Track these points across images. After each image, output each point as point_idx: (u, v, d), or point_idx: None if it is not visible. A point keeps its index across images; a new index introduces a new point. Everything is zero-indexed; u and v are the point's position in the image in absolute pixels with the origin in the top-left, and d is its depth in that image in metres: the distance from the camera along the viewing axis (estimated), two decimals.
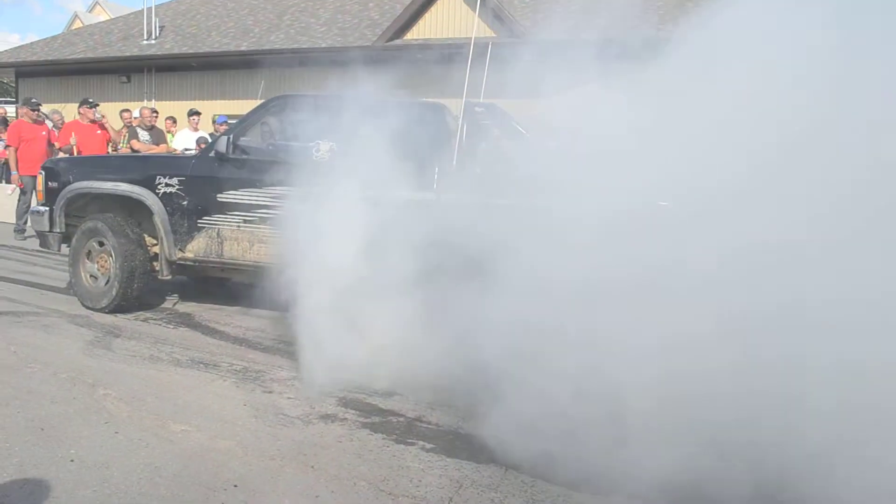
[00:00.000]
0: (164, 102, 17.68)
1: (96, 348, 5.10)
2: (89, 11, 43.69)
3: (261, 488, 3.13)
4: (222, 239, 5.91)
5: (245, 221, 5.82)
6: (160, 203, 6.00)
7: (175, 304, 6.71)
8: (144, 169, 6.19)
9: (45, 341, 5.22)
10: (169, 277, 6.21)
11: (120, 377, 4.49)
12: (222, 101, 17.15)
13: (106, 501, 2.96)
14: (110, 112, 12.30)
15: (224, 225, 5.88)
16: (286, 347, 5.39)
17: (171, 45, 18.41)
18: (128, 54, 18.51)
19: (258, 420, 3.92)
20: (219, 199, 5.86)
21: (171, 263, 6.12)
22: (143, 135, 10.81)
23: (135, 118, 11.17)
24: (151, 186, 6.02)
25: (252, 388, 4.42)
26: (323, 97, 6.31)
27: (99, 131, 10.25)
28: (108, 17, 30.36)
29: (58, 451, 3.39)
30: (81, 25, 29.75)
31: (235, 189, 5.82)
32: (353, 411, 4.11)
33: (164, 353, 5.08)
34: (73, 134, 10.45)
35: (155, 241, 6.20)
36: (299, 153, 6.23)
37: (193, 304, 6.66)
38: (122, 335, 5.47)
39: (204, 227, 5.94)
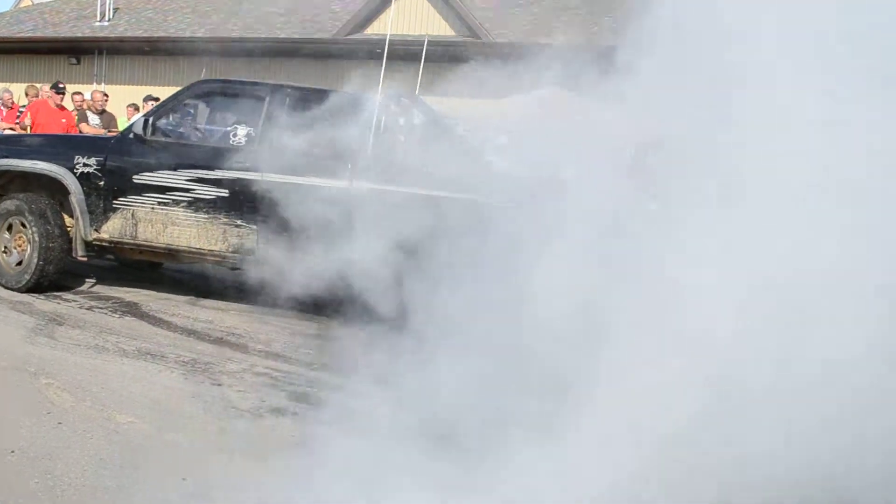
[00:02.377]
0: (114, 86, 17.25)
1: (39, 336, 4.96)
2: None
3: (210, 481, 3.08)
4: (137, 220, 5.88)
5: (159, 203, 5.81)
6: (77, 182, 5.96)
7: (92, 286, 6.57)
8: (64, 148, 6.18)
9: None
10: (85, 258, 6.16)
11: (63, 366, 4.38)
12: (175, 88, 16.80)
13: (49, 494, 2.88)
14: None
15: (139, 206, 5.86)
16: (236, 339, 5.33)
17: (125, 28, 17.98)
18: (78, 35, 18.01)
19: (207, 412, 3.86)
20: (135, 181, 5.85)
21: (87, 244, 6.05)
22: (94, 119, 10.54)
23: (86, 101, 10.88)
24: (70, 166, 5.97)
25: (201, 380, 4.35)
26: (244, 84, 6.37)
27: (64, 119, 9.95)
28: None
29: None
30: (30, 4, 28.86)
31: (151, 171, 5.83)
32: (304, 405, 4.09)
33: (110, 342, 4.97)
34: (28, 114, 10.12)
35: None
36: (217, 138, 6.27)
37: (142, 292, 6.52)
38: (65, 323, 5.33)
39: (119, 209, 5.90)
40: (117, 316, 5.72)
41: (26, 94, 11.30)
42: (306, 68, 16.47)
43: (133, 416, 3.72)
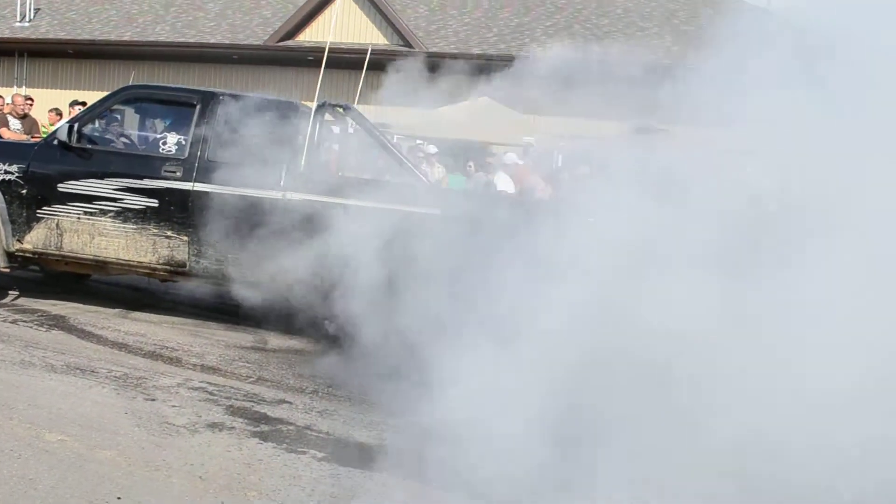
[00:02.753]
0: (36, 90, 16.65)
1: None
2: None
3: (146, 500, 3.03)
4: (62, 231, 5.73)
5: (86, 213, 5.67)
6: None
7: (15, 298, 6.36)
8: None
9: None
10: (7, 269, 5.96)
11: None
12: (101, 93, 16.32)
13: None
14: None
15: (64, 216, 5.71)
16: (169, 353, 5.23)
17: (47, 30, 17.41)
18: None
19: (141, 429, 3.79)
20: (59, 189, 5.70)
21: (9, 255, 5.87)
22: (14, 123, 10.16)
23: (7, 105, 10.48)
24: None
25: (133, 396, 4.26)
26: (174, 90, 6.30)
27: None
28: None
29: None
30: None
31: (77, 179, 5.69)
32: (242, 420, 4.05)
33: (37, 357, 4.82)
34: None
35: None
36: (146, 145, 6.19)
37: (69, 305, 6.33)
38: None
39: (43, 218, 5.75)
40: (44, 329, 5.54)
41: None
42: (237, 74, 16.28)
43: (63, 433, 3.63)
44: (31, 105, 10.67)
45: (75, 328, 5.67)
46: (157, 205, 5.56)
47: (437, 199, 5.39)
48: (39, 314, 5.97)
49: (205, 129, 5.63)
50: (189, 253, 5.57)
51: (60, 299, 6.50)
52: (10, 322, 5.64)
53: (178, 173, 5.57)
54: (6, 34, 17.38)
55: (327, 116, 6.73)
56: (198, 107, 5.71)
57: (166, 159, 5.69)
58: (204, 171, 5.55)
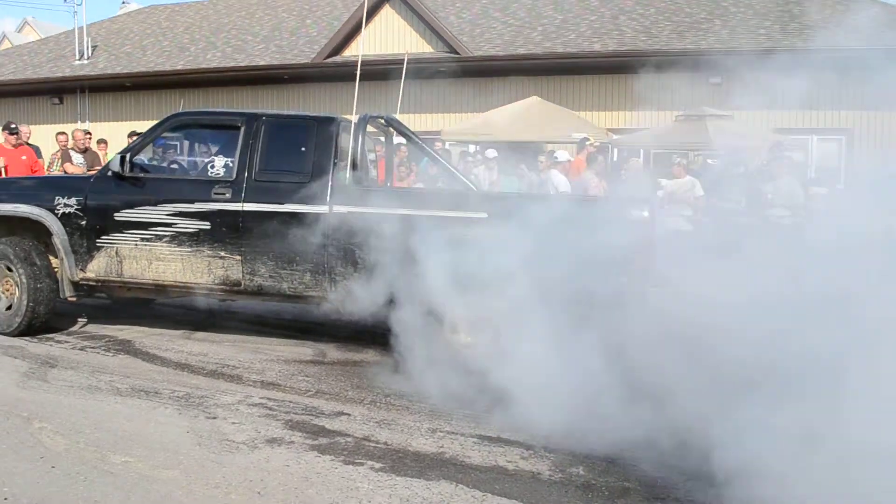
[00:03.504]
0: (98, 124, 17.29)
1: (31, 380, 4.92)
2: (18, 31, 42.50)
3: None
4: (121, 258, 5.86)
5: (142, 239, 5.79)
6: (59, 223, 5.95)
7: (83, 326, 6.56)
8: (44, 190, 6.19)
9: None
10: (74, 298, 6.12)
11: (56, 409, 4.35)
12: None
13: None
14: (43, 135, 11.97)
15: (122, 244, 5.84)
16: (230, 371, 5.30)
17: (105, 65, 18.03)
18: (59, 75, 18.06)
19: (202, 447, 3.83)
20: (116, 218, 5.83)
21: (74, 284, 6.04)
22: (77, 157, 10.54)
23: (69, 141, 10.87)
24: (51, 207, 5.97)
25: (195, 415, 4.32)
26: (218, 114, 6.39)
27: (24, 157, 9.91)
28: (37, 38, 29.55)
29: None
30: (10, 46, 28.90)
31: (132, 207, 5.81)
32: (300, 433, 4.05)
33: (103, 382, 4.94)
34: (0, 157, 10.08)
35: None
36: (195, 170, 6.28)
37: (135, 329, 6.49)
38: (58, 365, 5.30)
39: (103, 247, 5.89)
40: (111, 354, 5.69)
41: None
42: (289, 94, 16.55)
43: (127, 455, 3.69)
44: (90, 139, 11.03)
45: (141, 351, 5.80)
46: (209, 227, 5.65)
47: (485, 204, 5.33)
48: (107, 339, 6.13)
49: (250, 149, 5.71)
50: (243, 271, 5.64)
51: (127, 324, 6.67)
52: (80, 349, 5.80)
53: (227, 195, 5.64)
54: (67, 73, 18.06)
55: (370, 129, 6.75)
56: (242, 128, 5.78)
57: (215, 182, 5.78)
58: (252, 190, 5.61)
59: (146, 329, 6.53)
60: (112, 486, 3.32)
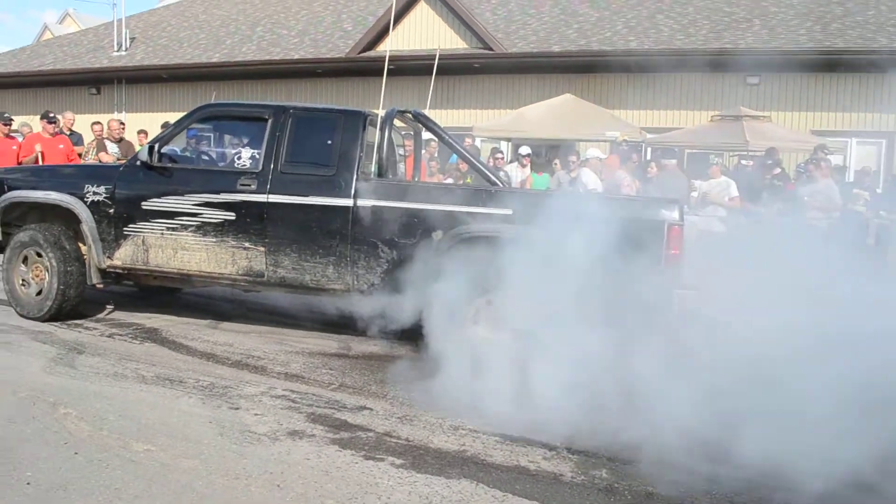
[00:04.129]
0: (134, 114, 17.50)
1: (59, 366, 4.97)
2: (59, 23, 43.23)
3: None
4: (147, 246, 5.90)
5: (168, 229, 5.82)
6: (88, 211, 6.00)
7: (109, 312, 6.61)
8: (74, 178, 6.26)
9: (5, 359, 5.07)
10: (101, 285, 6.19)
11: (82, 396, 4.38)
12: None
13: None
14: (81, 124, 12.12)
15: (148, 232, 5.88)
16: (255, 362, 5.30)
17: (142, 57, 18.24)
18: (97, 66, 18.31)
19: (224, 437, 3.83)
20: (143, 207, 5.87)
21: (101, 271, 6.09)
22: (112, 147, 10.66)
23: (105, 130, 11.00)
24: (80, 195, 6.03)
25: (218, 405, 4.32)
26: (246, 106, 6.39)
27: (61, 145, 10.06)
28: (78, 29, 30.03)
29: (14, 474, 3.28)
30: (51, 37, 29.41)
31: (159, 197, 5.84)
32: (322, 427, 4.03)
33: (129, 369, 4.97)
34: (37, 143, 10.24)
35: None
36: (222, 161, 6.29)
37: (163, 317, 6.53)
38: (85, 352, 5.34)
39: (130, 235, 5.93)
40: (137, 342, 5.73)
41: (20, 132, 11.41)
42: (322, 88, 16.60)
43: (150, 444, 3.70)
44: (124, 129, 11.15)
45: (167, 340, 5.83)
46: (234, 217, 5.66)
47: (511, 201, 5.26)
48: (135, 327, 6.18)
49: (277, 141, 5.70)
50: (266, 263, 5.63)
51: (155, 312, 6.72)
52: (107, 336, 5.85)
53: (252, 186, 5.65)
54: (105, 63, 18.31)
55: (400, 123, 6.71)
56: (269, 121, 5.78)
57: (241, 173, 5.79)
58: (277, 182, 5.61)
59: (174, 318, 6.56)
60: (133, 475, 3.32)
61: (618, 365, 4.22)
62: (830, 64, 13.21)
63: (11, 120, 10.38)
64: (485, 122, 14.09)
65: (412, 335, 5.44)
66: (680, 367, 4.09)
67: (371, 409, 4.37)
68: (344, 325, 6.55)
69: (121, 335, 5.91)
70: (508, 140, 13.35)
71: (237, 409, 4.28)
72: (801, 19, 14.27)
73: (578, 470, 3.63)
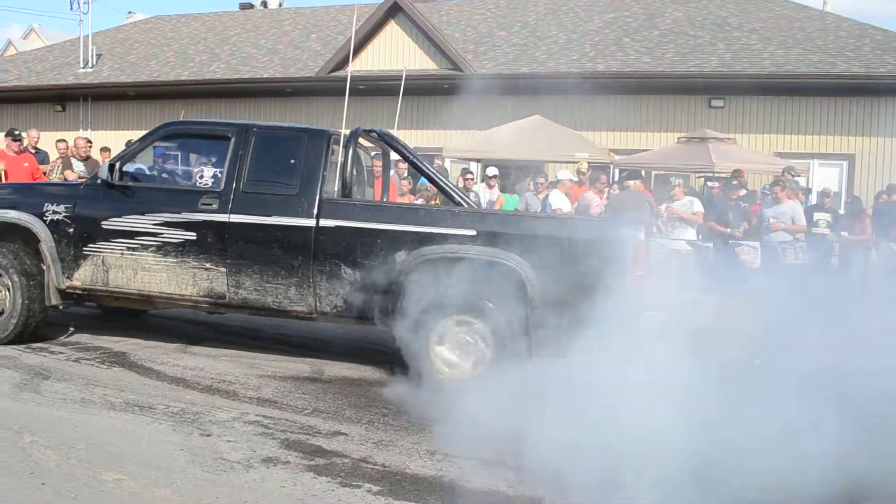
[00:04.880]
0: (100, 132, 17.24)
1: (23, 392, 4.84)
2: (23, 38, 42.60)
3: None
4: (107, 267, 5.81)
5: (129, 249, 5.73)
6: (47, 230, 5.89)
7: (70, 335, 6.47)
8: (34, 196, 6.15)
9: None
10: (60, 306, 6.08)
11: (48, 423, 4.27)
12: None
13: None
14: (44, 141, 11.91)
15: (108, 252, 5.79)
16: (226, 387, 5.22)
17: (109, 74, 18.04)
18: (62, 82, 18.06)
19: (196, 465, 3.76)
20: (103, 227, 5.78)
21: (61, 292, 5.98)
22: (78, 165, 10.49)
23: (70, 148, 10.82)
24: (40, 213, 5.92)
25: (189, 431, 4.24)
26: (209, 124, 6.37)
27: (26, 164, 9.86)
28: (43, 45, 29.61)
29: None
30: (15, 52, 28.96)
31: (119, 216, 5.76)
32: (297, 453, 3.98)
33: (97, 395, 4.86)
34: (0, 162, 10.03)
35: None
36: (184, 180, 6.25)
37: (130, 341, 6.41)
38: (51, 377, 5.22)
39: (90, 255, 5.84)
40: (105, 367, 5.61)
41: None
42: (291, 107, 16.55)
43: (119, 472, 3.61)
44: (90, 147, 10.99)
45: (136, 364, 5.72)
46: (195, 237, 5.58)
47: (476, 221, 5.29)
48: (102, 351, 6.05)
49: (239, 160, 5.66)
50: (228, 284, 5.57)
51: (122, 336, 6.59)
52: (74, 360, 5.72)
53: (213, 205, 5.59)
54: (71, 80, 18.06)
55: (367, 143, 6.71)
56: (232, 139, 5.73)
57: (203, 192, 5.73)
58: (239, 202, 5.56)
59: (141, 341, 6.44)
60: None
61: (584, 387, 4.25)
62: (792, 88, 13.53)
63: (20, 135, 10.07)
64: (454, 143, 14.15)
65: (385, 357, 5.44)
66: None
67: (346, 435, 4.33)
68: (317, 348, 6.51)
69: (87, 359, 5.78)
70: (478, 161, 13.42)
71: (209, 435, 4.20)
72: (763, 44, 14.60)
73: (556, 493, 3.61)
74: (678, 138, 13.07)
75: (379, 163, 7.40)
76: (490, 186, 10.67)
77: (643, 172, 11.72)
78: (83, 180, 7.83)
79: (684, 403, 3.86)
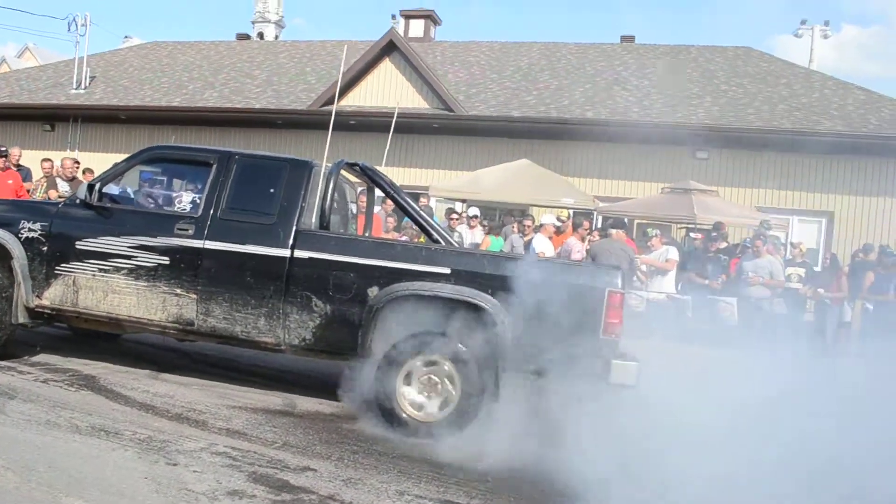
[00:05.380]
0: (88, 154, 17.22)
1: None
2: (18, 56, 42.72)
3: None
4: (78, 287, 5.76)
5: (100, 270, 5.69)
6: (21, 247, 5.84)
7: (35, 354, 6.38)
8: (11, 213, 6.11)
9: None
10: (26, 325, 6.00)
11: (11, 443, 4.18)
12: None
13: None
14: (31, 160, 11.89)
15: (80, 273, 5.74)
16: (196, 416, 5.15)
17: (101, 96, 18.08)
18: (54, 102, 18.07)
19: (160, 494, 3.69)
20: (77, 247, 5.75)
21: (29, 310, 5.90)
22: (63, 185, 10.47)
23: (56, 168, 10.81)
24: (15, 231, 5.88)
25: (156, 460, 4.17)
26: (191, 150, 6.40)
27: (10, 181, 9.84)
28: (37, 64, 29.68)
29: None
30: (9, 70, 28.99)
31: (94, 237, 5.73)
32: (263, 487, 3.92)
33: (63, 418, 4.78)
34: None
35: None
36: (162, 204, 6.24)
37: (101, 364, 6.32)
38: (17, 397, 5.13)
39: (61, 275, 5.79)
40: (73, 389, 5.52)
41: None
42: (281, 138, 16.63)
43: (81, 498, 3.54)
44: (77, 167, 10.98)
45: (105, 388, 5.64)
46: (168, 262, 5.56)
47: (451, 260, 5.30)
48: (71, 373, 5.96)
49: (219, 187, 5.67)
50: (197, 311, 5.53)
51: (93, 359, 6.49)
52: (42, 381, 5.63)
53: (189, 231, 5.58)
54: (62, 101, 18.08)
55: (352, 177, 6.74)
56: (214, 166, 5.75)
57: (180, 217, 5.73)
58: (215, 228, 5.55)
59: (112, 365, 6.35)
60: None
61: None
62: (776, 143, 13.77)
63: (6, 151, 10.03)
64: (441, 182, 14.25)
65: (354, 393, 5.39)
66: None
67: (315, 470, 4.27)
68: (290, 381, 6.45)
69: (56, 381, 5.69)
70: (464, 201, 13.51)
71: (175, 464, 4.14)
72: (749, 98, 14.89)
73: None
74: (662, 188, 13.24)
75: (364, 198, 7.43)
76: (471, 227, 10.71)
77: (626, 220, 11.83)
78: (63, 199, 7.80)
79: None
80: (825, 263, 11.58)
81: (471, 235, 10.56)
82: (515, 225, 10.93)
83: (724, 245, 10.77)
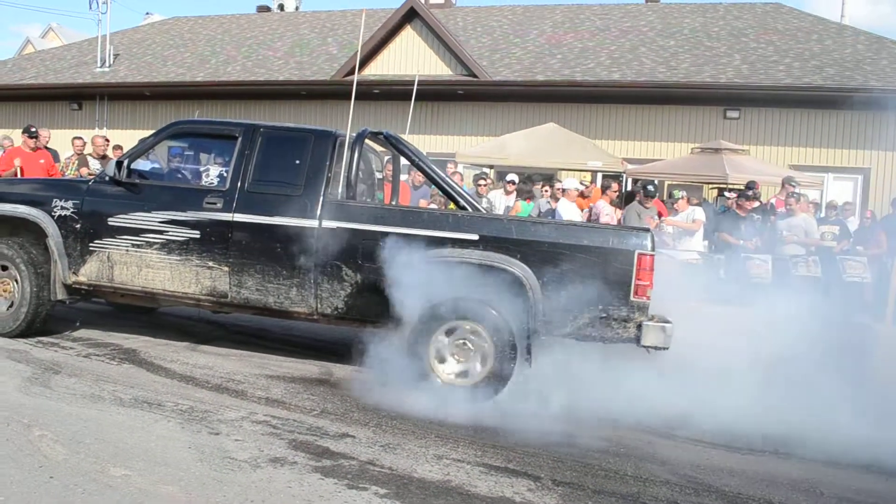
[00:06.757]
0: (115, 131, 17.35)
1: (34, 386, 4.87)
2: (42, 37, 42.96)
3: None
4: (112, 263, 5.84)
5: (134, 246, 5.76)
6: (55, 225, 5.94)
7: (75, 329, 6.52)
8: (43, 192, 6.20)
9: None
10: (65, 301, 6.11)
11: (58, 417, 4.28)
12: None
13: None
14: (60, 139, 12.01)
15: (114, 249, 5.82)
16: (235, 386, 5.23)
17: (126, 74, 18.16)
18: (79, 81, 18.19)
19: (203, 463, 3.76)
20: (109, 223, 5.82)
21: (67, 287, 6.01)
22: (94, 163, 10.55)
23: (88, 145, 10.90)
24: (48, 209, 5.97)
25: (198, 430, 4.25)
26: (216, 124, 6.39)
27: (42, 160, 9.95)
28: (61, 44, 29.87)
29: None
30: (34, 51, 29.21)
31: (126, 213, 5.80)
32: (304, 454, 3.97)
33: (107, 391, 4.88)
34: (17, 158, 10.11)
35: None
36: (190, 178, 6.27)
37: (141, 338, 6.44)
38: (62, 372, 5.24)
39: (96, 251, 5.87)
40: (115, 363, 5.63)
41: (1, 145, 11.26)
42: (306, 109, 16.60)
43: (127, 468, 3.62)
44: (108, 145, 11.07)
45: (146, 361, 5.74)
46: (198, 236, 5.61)
47: (478, 226, 5.27)
48: (112, 347, 6.08)
49: (245, 160, 5.69)
50: (230, 283, 5.58)
51: (133, 332, 6.62)
52: (84, 356, 5.75)
53: (218, 204, 5.61)
54: (88, 79, 18.19)
55: (378, 147, 6.71)
56: (239, 139, 5.76)
57: (208, 191, 5.78)
58: (243, 201, 5.59)
59: (152, 339, 6.47)
60: (110, 501, 3.25)
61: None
62: (808, 100, 13.46)
63: (36, 132, 10.14)
64: (468, 149, 14.16)
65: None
66: None
67: (353, 437, 4.32)
68: (326, 349, 6.51)
69: (98, 355, 5.81)
70: (491, 167, 13.42)
71: (217, 434, 4.21)
72: (780, 56, 14.55)
73: (563, 502, 3.60)
74: (692, 149, 13.03)
75: (390, 167, 7.41)
76: (508, 193, 10.65)
77: (655, 182, 11.68)
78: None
79: None
80: (865, 222, 11.32)
81: (506, 200, 10.50)
82: (544, 189, 10.84)
83: (756, 204, 10.60)
